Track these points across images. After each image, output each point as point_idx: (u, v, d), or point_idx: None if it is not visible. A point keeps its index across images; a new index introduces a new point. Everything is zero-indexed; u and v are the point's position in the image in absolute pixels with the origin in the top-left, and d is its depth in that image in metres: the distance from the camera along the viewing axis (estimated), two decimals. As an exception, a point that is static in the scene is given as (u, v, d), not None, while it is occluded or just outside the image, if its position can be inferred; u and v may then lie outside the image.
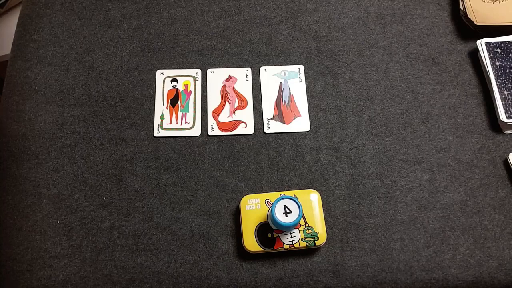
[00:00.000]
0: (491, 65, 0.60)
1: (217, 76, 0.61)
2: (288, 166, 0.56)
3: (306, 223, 0.51)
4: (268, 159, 0.57)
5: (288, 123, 0.59)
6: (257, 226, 0.51)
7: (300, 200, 0.52)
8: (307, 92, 0.61)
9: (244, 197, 0.53)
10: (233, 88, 0.61)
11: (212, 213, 0.54)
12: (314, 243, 0.51)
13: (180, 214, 0.54)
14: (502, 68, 0.60)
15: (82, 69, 0.61)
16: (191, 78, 0.61)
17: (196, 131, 0.58)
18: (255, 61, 0.62)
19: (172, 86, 0.61)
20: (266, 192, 0.55)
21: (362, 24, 0.65)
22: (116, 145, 0.57)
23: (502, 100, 0.59)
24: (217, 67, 0.62)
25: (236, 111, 0.59)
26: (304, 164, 0.56)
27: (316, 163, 0.56)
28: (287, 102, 0.60)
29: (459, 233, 0.53)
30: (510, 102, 0.58)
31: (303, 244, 0.51)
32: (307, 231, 0.51)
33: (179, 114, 0.59)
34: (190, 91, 0.60)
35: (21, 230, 0.53)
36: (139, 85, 0.61)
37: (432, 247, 0.52)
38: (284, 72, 0.62)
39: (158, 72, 0.61)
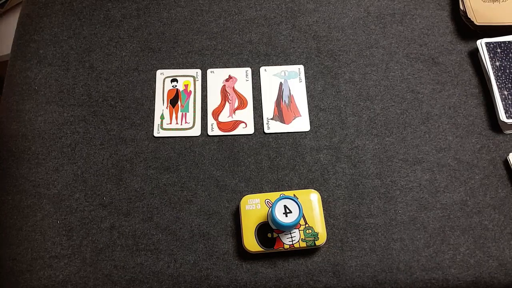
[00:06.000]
0: (491, 65, 0.60)
1: (217, 76, 0.61)
2: (288, 166, 0.56)
3: (306, 223, 0.51)
4: (268, 159, 0.57)
5: (288, 123, 0.59)
6: (257, 226, 0.51)
7: (300, 200, 0.52)
8: (307, 92, 0.61)
9: (244, 197, 0.53)
10: (233, 88, 0.61)
11: (212, 213, 0.54)
12: (314, 243, 0.51)
13: (180, 214, 0.54)
14: (502, 68, 0.60)
15: (82, 69, 0.61)
16: (191, 78, 0.61)
17: (196, 131, 0.58)
18: (255, 61, 0.62)
19: (172, 86, 0.61)
20: (266, 192, 0.55)
21: (362, 24, 0.65)
22: (116, 145, 0.57)
23: (502, 100, 0.59)
24: (217, 67, 0.62)
25: (236, 111, 0.59)
26: (304, 164, 0.56)
27: (316, 163, 0.56)
28: (287, 102, 0.60)
29: (459, 233, 0.53)
30: (510, 102, 0.58)
31: (303, 244, 0.51)
32: (307, 231, 0.51)
33: (179, 114, 0.59)
34: (190, 91, 0.60)
35: (21, 230, 0.53)
36: (139, 85, 0.61)
37: (432, 247, 0.52)
38: (284, 72, 0.62)
39: (158, 72, 0.61)
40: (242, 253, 0.52)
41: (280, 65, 0.62)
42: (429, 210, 0.54)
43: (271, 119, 0.59)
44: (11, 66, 0.62)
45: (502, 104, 0.58)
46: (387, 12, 0.66)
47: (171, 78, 0.61)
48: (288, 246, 0.51)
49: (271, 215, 0.49)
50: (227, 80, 0.61)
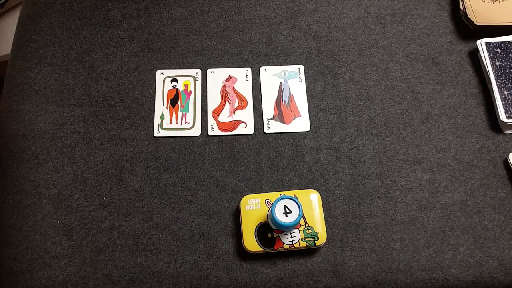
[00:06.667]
0: (491, 65, 0.60)
1: (217, 76, 0.61)
2: (288, 166, 0.56)
3: (306, 223, 0.51)
4: (268, 159, 0.57)
5: (288, 123, 0.59)
6: (257, 226, 0.51)
7: (300, 200, 0.52)
8: (307, 92, 0.61)
9: (244, 197, 0.53)
10: (233, 88, 0.61)
11: (212, 213, 0.54)
12: (314, 243, 0.51)
13: (180, 214, 0.54)
14: (502, 68, 0.60)
15: (82, 69, 0.61)
16: (191, 78, 0.61)
17: (196, 131, 0.58)
18: (255, 61, 0.62)
19: (172, 86, 0.61)
20: (266, 192, 0.55)
21: (362, 24, 0.65)
22: (116, 145, 0.57)
23: (502, 100, 0.59)
24: (217, 67, 0.62)
25: (236, 111, 0.59)
26: (304, 164, 0.56)
27: (316, 163, 0.56)
28: (287, 102, 0.60)
29: (459, 233, 0.53)
30: (510, 102, 0.58)
31: (303, 244, 0.51)
32: (307, 231, 0.51)
33: (179, 114, 0.59)
34: (190, 91, 0.60)
35: (21, 230, 0.53)
36: (139, 85, 0.61)
37: (432, 247, 0.52)
38: (284, 72, 0.62)
39: (158, 72, 0.61)
40: (242, 253, 0.52)
41: (280, 65, 0.62)
42: (429, 210, 0.54)
43: (271, 119, 0.59)
44: (11, 66, 0.62)
45: (502, 104, 0.58)
46: (387, 12, 0.66)
47: (171, 78, 0.61)
48: (288, 246, 0.51)
49: (271, 215, 0.49)
50: (227, 80, 0.61)
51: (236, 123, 0.59)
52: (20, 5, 0.74)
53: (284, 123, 0.59)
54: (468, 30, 0.64)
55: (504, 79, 0.59)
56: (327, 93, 0.60)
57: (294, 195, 0.53)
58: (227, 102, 0.60)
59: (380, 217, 0.54)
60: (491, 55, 0.61)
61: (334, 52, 0.63)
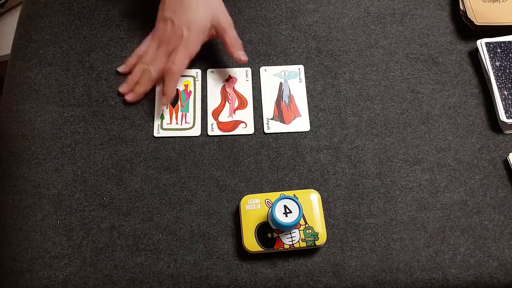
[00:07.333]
0: (491, 65, 0.60)
1: (217, 76, 0.61)
2: (288, 166, 0.56)
3: (306, 223, 0.51)
4: (268, 159, 0.57)
5: (288, 123, 0.59)
6: (257, 226, 0.51)
7: (300, 200, 0.52)
8: (307, 92, 0.61)
9: (244, 197, 0.53)
10: (233, 88, 0.61)
11: (212, 213, 0.54)
12: (314, 243, 0.51)
13: (180, 214, 0.54)
14: (502, 68, 0.60)
15: (82, 69, 0.61)
16: (191, 78, 0.61)
17: (196, 131, 0.58)
18: (255, 61, 0.62)
19: (172, 86, 0.61)
20: (266, 192, 0.55)
21: (362, 24, 0.65)
22: (116, 145, 0.57)
23: (502, 100, 0.59)
24: (217, 67, 0.62)
25: (236, 111, 0.59)
26: (304, 164, 0.56)
27: (316, 163, 0.56)
28: (287, 102, 0.60)
29: (459, 233, 0.53)
30: (510, 102, 0.58)
31: (303, 244, 0.51)
32: (307, 231, 0.51)
33: (179, 114, 0.59)
34: (190, 91, 0.60)
35: (21, 230, 0.53)
36: (139, 85, 0.60)
37: (432, 247, 0.52)
38: (284, 72, 0.62)
39: (158, 72, 0.61)
40: (242, 253, 0.52)
41: (280, 65, 0.62)
42: (429, 210, 0.54)
43: (271, 119, 0.59)
44: (11, 66, 0.62)
45: (502, 104, 0.58)
46: (387, 12, 0.66)
47: (171, 78, 0.61)
48: (288, 246, 0.51)
49: (271, 215, 0.49)
50: (227, 80, 0.61)
51: (236, 123, 0.59)
52: (20, 5, 0.74)
53: (284, 123, 0.59)
54: (468, 30, 0.64)
55: (504, 79, 0.59)
56: (327, 93, 0.60)
57: (294, 195, 0.53)
58: (227, 102, 0.60)
59: (380, 217, 0.54)
60: (491, 55, 0.61)
61: (334, 52, 0.63)
